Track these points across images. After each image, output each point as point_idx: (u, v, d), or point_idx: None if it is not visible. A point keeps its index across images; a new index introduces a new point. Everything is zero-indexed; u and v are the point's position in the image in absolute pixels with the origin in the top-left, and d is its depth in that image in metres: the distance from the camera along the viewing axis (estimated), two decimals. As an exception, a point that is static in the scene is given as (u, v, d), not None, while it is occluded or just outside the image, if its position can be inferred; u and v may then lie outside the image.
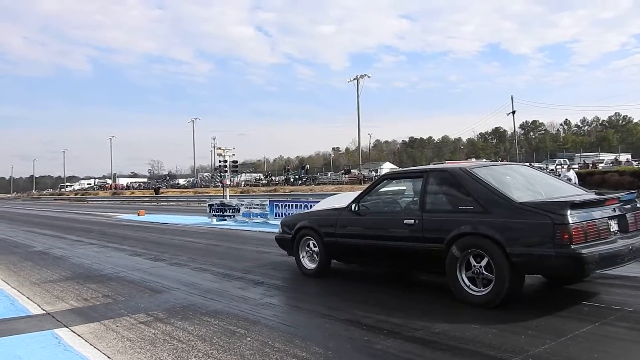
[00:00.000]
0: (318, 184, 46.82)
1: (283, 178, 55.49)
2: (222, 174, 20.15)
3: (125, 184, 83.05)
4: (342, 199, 7.29)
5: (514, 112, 57.99)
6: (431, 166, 6.20)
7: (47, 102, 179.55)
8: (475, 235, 4.66)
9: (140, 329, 4.48)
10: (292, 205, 15.11)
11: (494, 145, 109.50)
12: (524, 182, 5.46)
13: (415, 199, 5.61)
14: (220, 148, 20.08)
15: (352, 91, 54.62)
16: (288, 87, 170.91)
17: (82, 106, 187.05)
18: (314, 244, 6.52)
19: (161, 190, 57.97)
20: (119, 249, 10.54)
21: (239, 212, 16.91)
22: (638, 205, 4.95)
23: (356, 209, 5.95)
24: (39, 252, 10.49)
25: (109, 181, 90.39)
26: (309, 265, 6.62)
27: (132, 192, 64.87)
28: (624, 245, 4.44)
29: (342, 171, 56.08)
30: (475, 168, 5.21)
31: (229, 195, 20.42)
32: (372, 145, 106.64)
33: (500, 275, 4.47)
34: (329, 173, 58.77)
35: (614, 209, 4.62)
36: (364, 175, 46.35)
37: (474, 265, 4.68)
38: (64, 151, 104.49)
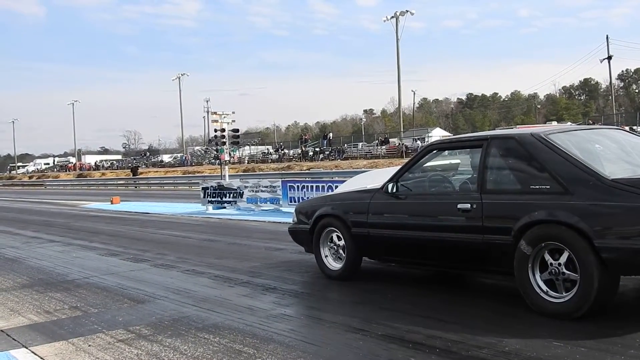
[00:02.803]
0: (345, 159, 46.80)
1: (299, 151, 55.60)
2: (219, 147, 20.29)
3: (93, 163, 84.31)
4: (376, 177, 7.31)
5: (609, 58, 56.78)
6: (493, 132, 6.16)
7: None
8: (552, 224, 4.65)
9: (120, 349, 4.61)
10: (311, 186, 15.17)
11: (583, 103, 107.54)
12: (619, 152, 5.41)
13: (472, 176, 5.61)
14: (216, 113, 20.15)
15: (390, 34, 53.97)
16: (303, 30, 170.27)
17: (35, 62, 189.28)
18: (338, 236, 6.59)
19: (140, 171, 58.69)
20: (88, 248, 10.77)
21: (242, 197, 17.07)
22: None
23: (394, 190, 5.98)
24: (-14, 252, 10.77)
25: (73, 160, 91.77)
26: (334, 264, 6.70)
27: (103, 174, 65.88)
28: None
29: (378, 141, 55.84)
30: (552, 134, 5.17)
31: (229, 176, 20.61)
32: (417, 105, 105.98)
33: (587, 275, 4.46)
34: (360, 144, 58.52)
35: None
36: (406, 146, 46.10)
37: (551, 264, 4.69)
38: (12, 121, 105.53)
